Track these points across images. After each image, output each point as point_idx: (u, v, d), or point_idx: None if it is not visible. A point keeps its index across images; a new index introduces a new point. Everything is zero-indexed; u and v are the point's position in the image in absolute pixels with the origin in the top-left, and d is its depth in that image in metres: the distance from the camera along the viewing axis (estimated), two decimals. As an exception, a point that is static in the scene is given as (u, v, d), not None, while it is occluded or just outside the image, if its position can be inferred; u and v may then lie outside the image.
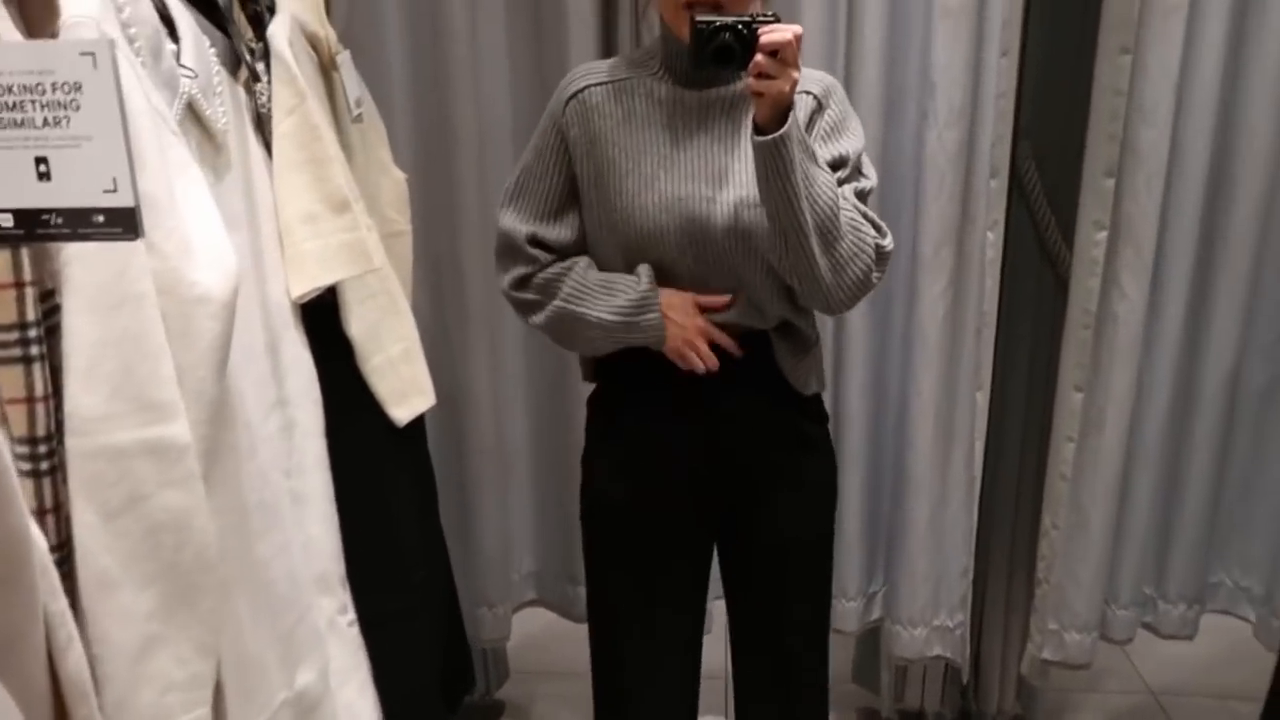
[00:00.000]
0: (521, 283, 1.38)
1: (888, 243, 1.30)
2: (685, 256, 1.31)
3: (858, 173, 1.33)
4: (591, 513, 1.48)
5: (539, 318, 1.38)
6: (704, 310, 1.33)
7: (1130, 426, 1.98)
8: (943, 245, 1.88)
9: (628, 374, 1.39)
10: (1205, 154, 1.86)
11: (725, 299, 1.33)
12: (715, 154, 1.31)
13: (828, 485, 1.49)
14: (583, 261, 1.36)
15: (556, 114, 1.35)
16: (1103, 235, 1.89)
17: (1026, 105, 1.92)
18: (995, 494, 2.11)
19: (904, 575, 2.07)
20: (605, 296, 1.31)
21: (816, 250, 1.22)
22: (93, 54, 0.66)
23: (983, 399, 2.00)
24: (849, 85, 1.85)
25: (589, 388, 1.50)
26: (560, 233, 1.36)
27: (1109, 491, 2.00)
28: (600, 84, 1.34)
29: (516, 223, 1.37)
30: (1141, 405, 1.99)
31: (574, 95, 1.34)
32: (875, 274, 1.29)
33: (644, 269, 1.32)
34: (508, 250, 1.39)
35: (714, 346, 1.32)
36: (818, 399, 1.47)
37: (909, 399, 1.97)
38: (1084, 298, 1.93)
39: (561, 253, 1.38)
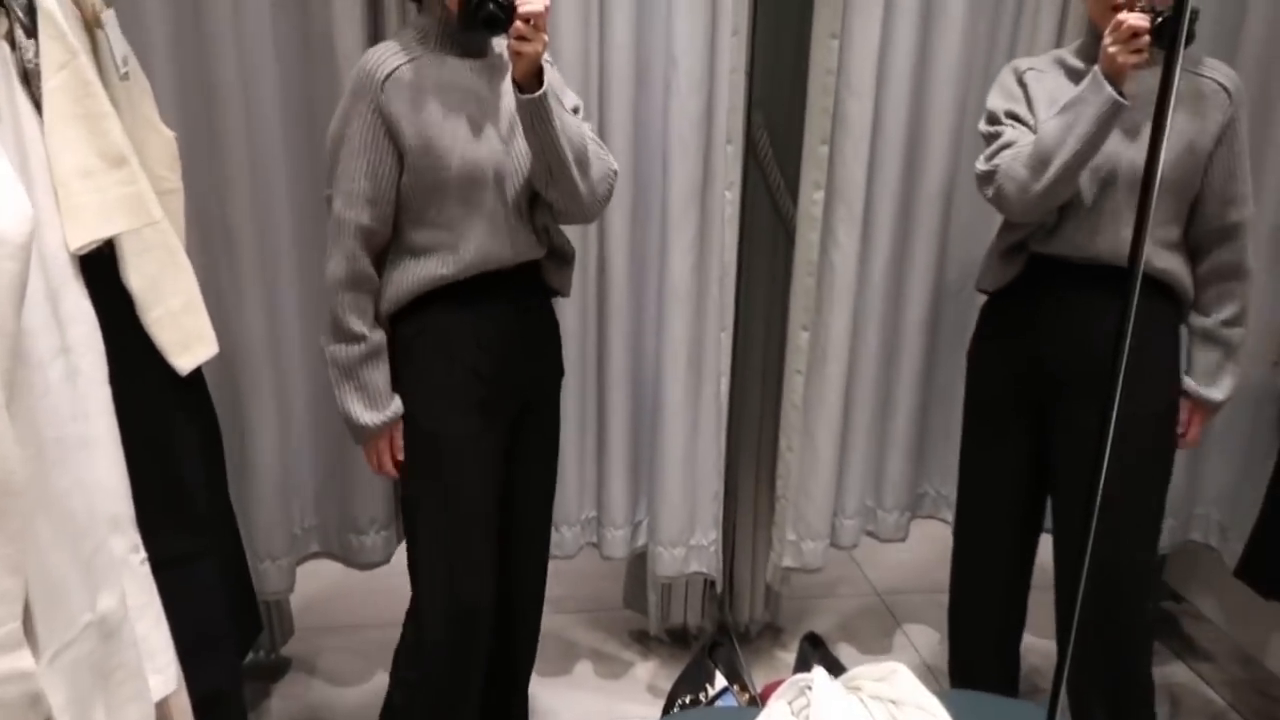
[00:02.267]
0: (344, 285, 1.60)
1: (615, 164, 1.70)
2: (496, 199, 1.57)
3: (586, 117, 1.71)
4: (412, 439, 1.68)
5: (332, 349, 1.64)
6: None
7: (849, 361, 2.30)
8: (689, 204, 2.11)
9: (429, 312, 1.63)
10: (903, 123, 2.18)
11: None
12: (505, 108, 1.58)
13: (559, 386, 1.87)
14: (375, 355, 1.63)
15: (374, 93, 1.50)
16: (820, 194, 2.18)
17: (759, 80, 2.17)
18: (740, 423, 2.38)
19: (663, 501, 2.30)
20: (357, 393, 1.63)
21: (577, 177, 1.56)
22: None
23: (726, 339, 2.25)
24: (603, 59, 2.04)
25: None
26: (385, 211, 1.57)
27: (833, 417, 2.32)
28: (406, 62, 1.53)
29: (346, 209, 1.55)
30: (857, 342, 2.31)
31: (388, 76, 1.51)
32: (612, 187, 1.69)
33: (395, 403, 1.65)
34: (338, 235, 1.57)
35: None
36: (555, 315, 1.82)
37: (664, 341, 2.19)
38: (807, 249, 2.22)
39: (383, 233, 1.59)
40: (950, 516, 2.53)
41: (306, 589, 2.36)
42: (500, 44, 1.60)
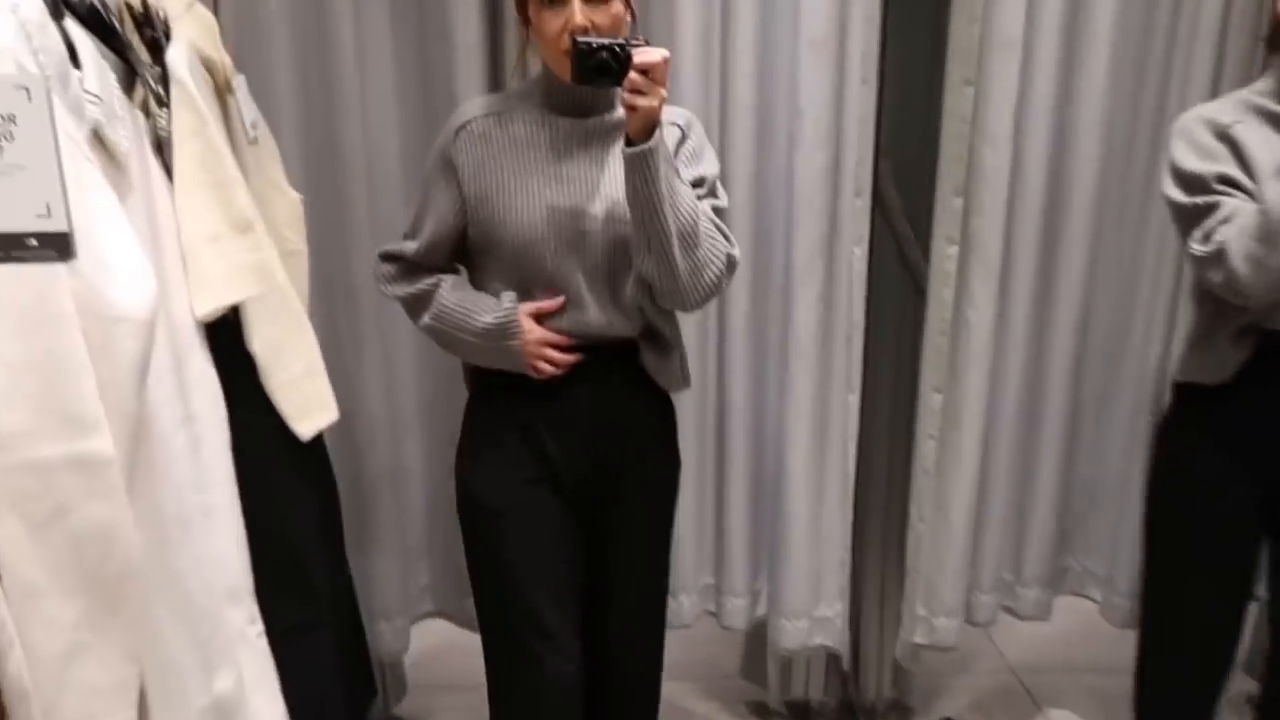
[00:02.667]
0: (396, 278, 1.56)
1: (736, 252, 1.48)
2: (564, 265, 1.46)
3: (714, 194, 1.51)
4: (466, 512, 1.60)
5: (423, 322, 1.55)
6: (544, 319, 1.48)
7: (985, 424, 2.15)
8: (814, 259, 2.02)
9: (498, 378, 1.54)
10: (1042, 174, 2.05)
11: (558, 301, 1.48)
12: (590, 173, 1.47)
13: (672, 479, 1.69)
14: (448, 281, 1.54)
15: (446, 145, 1.49)
16: (954, 249, 2.06)
17: (886, 128, 2.07)
18: (867, 490, 2.26)
19: (786, 570, 2.18)
20: (468, 318, 1.49)
21: (677, 253, 1.38)
22: (27, 88, 0.70)
23: (854, 401, 2.14)
24: (723, 111, 1.98)
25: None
26: (428, 254, 1.53)
27: (968, 485, 2.17)
28: (484, 115, 1.49)
29: (406, 244, 1.55)
30: (994, 404, 2.16)
31: (462, 126, 1.48)
32: (726, 280, 1.47)
33: (507, 295, 1.49)
34: (391, 258, 1.57)
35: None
36: (668, 398, 1.64)
37: (787, 404, 2.09)
38: (940, 307, 2.10)
39: (425, 267, 1.55)
40: (1098, 594, 2.36)
41: (420, 646, 2.33)
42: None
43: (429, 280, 1.54)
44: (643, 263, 1.43)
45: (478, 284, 1.56)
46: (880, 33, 1.99)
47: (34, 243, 0.72)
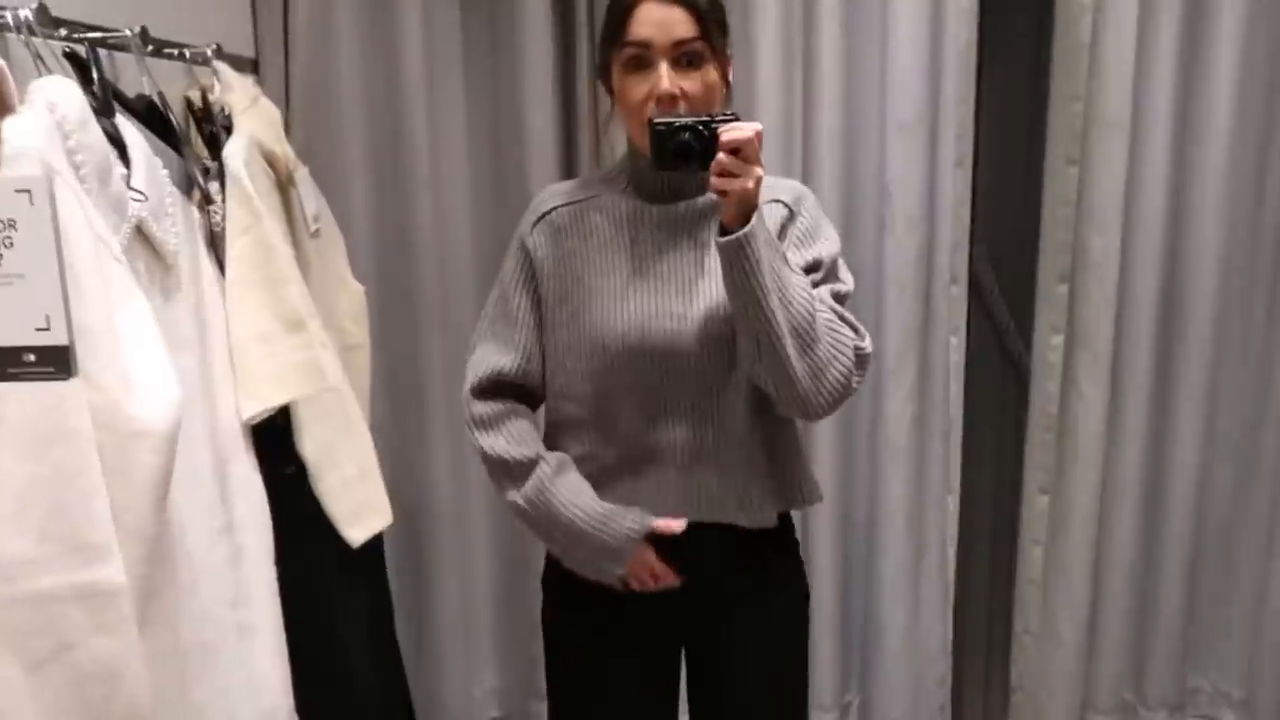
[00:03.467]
0: (489, 422, 1.31)
1: (867, 345, 1.25)
2: (652, 376, 1.25)
3: (834, 276, 1.28)
4: (553, 643, 1.41)
5: (511, 497, 1.29)
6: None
7: (1098, 529, 1.97)
8: (906, 351, 1.89)
9: None
10: (1155, 257, 1.89)
11: (680, 524, 1.27)
12: (682, 268, 1.27)
13: (798, 612, 1.42)
14: (551, 461, 1.28)
15: (524, 235, 1.32)
16: (1059, 339, 1.91)
17: (981, 214, 1.95)
18: (968, 599, 2.08)
19: (880, 684, 2.02)
20: (574, 521, 1.26)
21: (792, 354, 1.16)
22: (29, 191, 0.64)
23: (953, 503, 1.98)
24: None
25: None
26: (526, 364, 1.31)
27: (1079, 596, 1.98)
28: (566, 204, 1.31)
29: (486, 356, 1.32)
30: (1108, 507, 1.98)
31: (542, 217, 1.31)
32: (855, 378, 1.23)
33: (633, 514, 1.26)
34: (485, 392, 1.32)
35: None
36: (782, 530, 1.38)
37: (878, 505, 1.95)
38: (1044, 401, 1.94)
39: (526, 385, 1.33)
40: (1233, 718, 2.11)
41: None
42: None
43: (530, 450, 1.28)
44: (753, 367, 1.20)
45: (551, 403, 1.34)
46: (974, 113, 1.88)
47: (32, 358, 0.66)
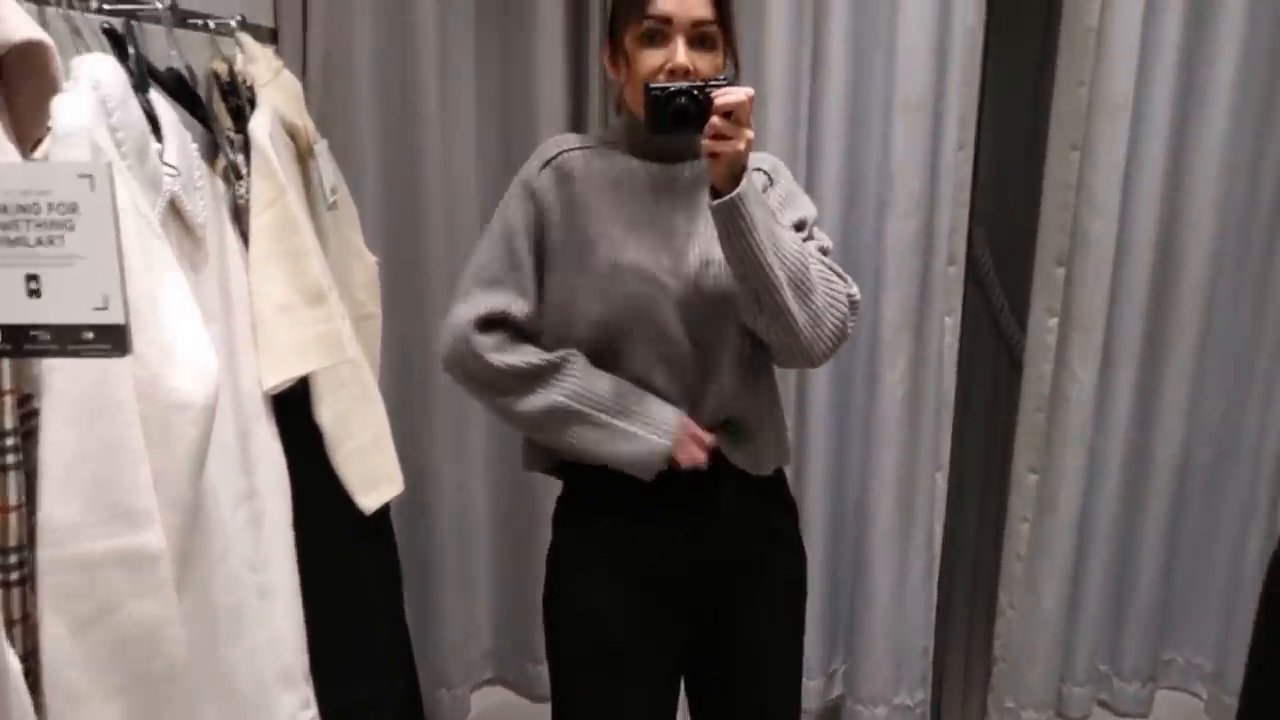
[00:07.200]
0: (502, 347, 1.31)
1: (855, 290, 1.32)
2: (648, 327, 1.29)
3: (815, 235, 1.35)
4: (563, 617, 1.42)
5: (548, 400, 1.29)
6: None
7: (1083, 507, 2.02)
8: (902, 330, 1.93)
9: (597, 475, 1.33)
10: (1151, 243, 1.93)
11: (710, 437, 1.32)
12: (681, 224, 1.31)
13: (798, 579, 1.48)
14: (578, 357, 1.30)
15: (530, 179, 1.32)
16: (1054, 321, 1.95)
17: (981, 196, 1.98)
18: (954, 573, 2.14)
19: (865, 653, 2.07)
20: (620, 401, 1.29)
21: (793, 305, 1.22)
22: (90, 176, 0.67)
23: (942, 479, 2.03)
24: (810, 174, 1.91)
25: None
26: (532, 311, 1.32)
27: (1063, 571, 2.04)
28: (577, 149, 1.33)
29: (490, 299, 1.31)
30: (1093, 485, 2.03)
31: (549, 161, 1.32)
32: (850, 323, 1.30)
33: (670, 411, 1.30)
34: (492, 324, 1.31)
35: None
36: (781, 488, 1.46)
37: (870, 479, 1.99)
38: (1037, 381, 1.98)
39: (527, 330, 1.33)
40: (1204, 691, 2.19)
41: (480, 708, 2.26)
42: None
43: (552, 353, 1.30)
44: (756, 322, 1.26)
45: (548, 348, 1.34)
46: (979, 95, 1.90)
47: (90, 335, 0.68)
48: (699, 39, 1.25)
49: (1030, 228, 1.97)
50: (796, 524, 1.49)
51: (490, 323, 1.30)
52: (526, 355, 1.29)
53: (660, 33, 1.24)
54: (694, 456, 1.30)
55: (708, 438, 1.31)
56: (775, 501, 1.46)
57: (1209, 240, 1.93)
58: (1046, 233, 1.95)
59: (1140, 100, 1.86)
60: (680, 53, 1.23)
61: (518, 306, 1.31)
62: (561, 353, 1.30)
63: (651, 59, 1.25)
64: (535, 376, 1.28)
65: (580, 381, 1.28)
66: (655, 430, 1.28)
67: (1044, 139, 1.94)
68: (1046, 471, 2.02)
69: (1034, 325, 1.98)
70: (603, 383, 1.29)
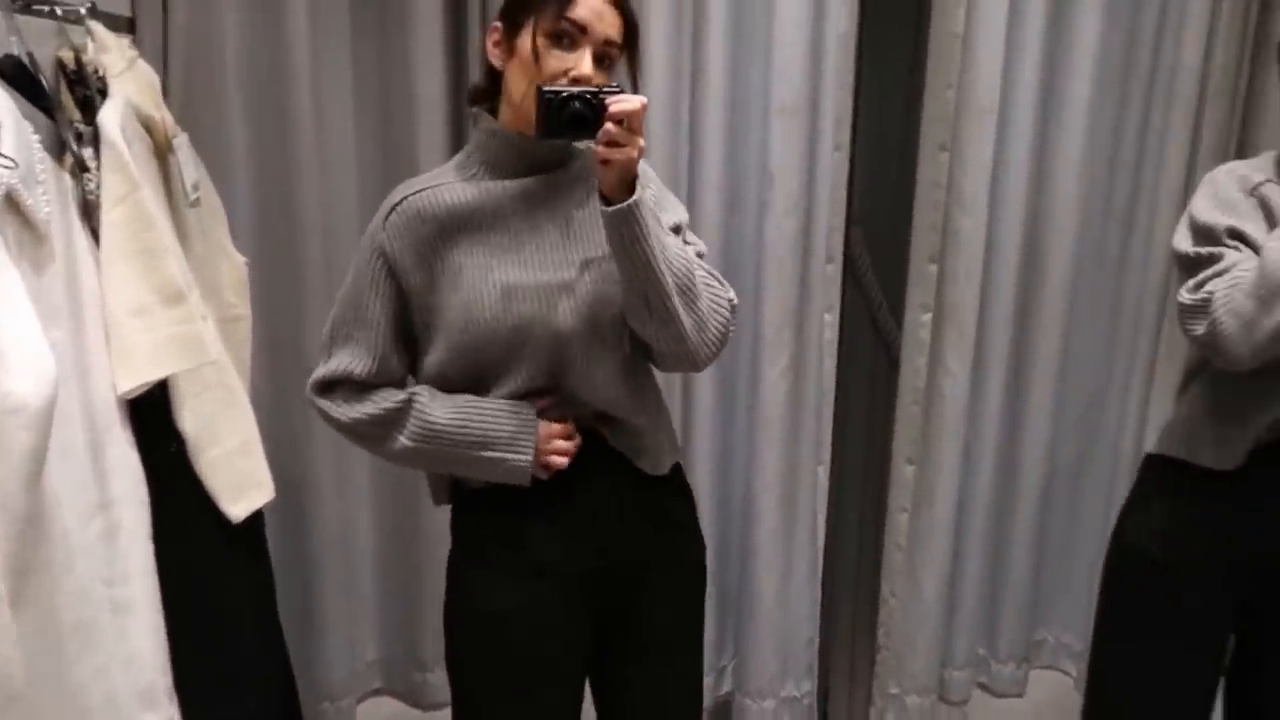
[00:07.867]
0: (348, 401, 1.33)
1: (733, 295, 1.35)
2: (527, 348, 1.29)
3: (689, 239, 1.38)
4: (466, 621, 1.40)
5: (398, 445, 1.31)
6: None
7: (959, 497, 2.09)
8: (783, 327, 1.96)
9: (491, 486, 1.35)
10: (1017, 243, 2.00)
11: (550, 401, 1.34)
12: (553, 234, 1.31)
13: (699, 564, 1.50)
14: (423, 392, 1.32)
15: (375, 233, 1.31)
16: (928, 317, 2.01)
17: (857, 196, 2.03)
18: (837, 565, 2.18)
19: (753, 648, 2.10)
20: (468, 432, 1.29)
21: (680, 311, 1.24)
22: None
23: (824, 474, 2.07)
24: (692, 177, 1.93)
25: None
26: (377, 366, 1.32)
27: (941, 559, 2.10)
28: (417, 192, 1.31)
29: (345, 364, 1.31)
30: (968, 477, 2.10)
31: (392, 209, 1.30)
32: (731, 327, 1.34)
33: (514, 403, 1.31)
34: (329, 386, 1.33)
35: None
36: (677, 478, 1.48)
37: (754, 477, 2.02)
38: (913, 376, 2.04)
39: (374, 384, 1.33)
40: (1073, 668, 2.29)
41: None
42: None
43: (397, 396, 1.31)
44: (644, 327, 1.28)
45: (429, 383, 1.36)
46: (853, 98, 1.95)
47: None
48: (601, 57, 1.26)
49: (905, 227, 2.03)
50: (695, 512, 1.51)
51: (329, 384, 1.33)
52: (368, 406, 1.31)
53: (571, 38, 1.24)
54: (558, 460, 1.31)
55: (567, 427, 1.32)
56: (673, 491, 1.47)
57: (1070, 241, 2.01)
58: (919, 231, 2.01)
59: (1005, 103, 1.94)
60: (587, 63, 1.24)
61: (360, 365, 1.31)
62: (405, 395, 1.31)
63: (559, 61, 1.24)
64: (385, 423, 1.31)
65: (424, 422, 1.29)
66: (511, 449, 1.28)
67: (916, 140, 2.00)
68: (924, 464, 2.08)
69: (909, 321, 2.04)
70: (446, 416, 1.29)
